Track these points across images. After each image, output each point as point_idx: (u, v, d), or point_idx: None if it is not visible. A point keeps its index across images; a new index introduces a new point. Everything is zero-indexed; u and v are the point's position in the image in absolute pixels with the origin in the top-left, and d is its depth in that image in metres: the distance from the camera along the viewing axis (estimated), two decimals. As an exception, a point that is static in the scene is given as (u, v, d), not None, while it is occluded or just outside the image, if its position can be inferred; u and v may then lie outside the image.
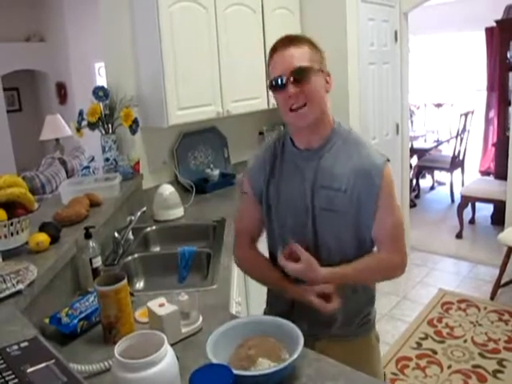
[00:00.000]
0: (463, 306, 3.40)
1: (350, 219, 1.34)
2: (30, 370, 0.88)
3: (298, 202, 1.38)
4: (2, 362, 0.91)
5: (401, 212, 1.41)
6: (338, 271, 1.32)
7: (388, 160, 1.35)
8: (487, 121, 6.26)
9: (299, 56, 1.26)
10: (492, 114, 6.12)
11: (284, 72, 1.26)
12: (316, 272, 1.29)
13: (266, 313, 1.60)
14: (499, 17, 5.16)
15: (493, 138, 6.04)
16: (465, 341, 2.97)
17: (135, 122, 2.61)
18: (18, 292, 1.29)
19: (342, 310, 1.38)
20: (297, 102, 1.27)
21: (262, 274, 1.49)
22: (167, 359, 0.96)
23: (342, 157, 1.34)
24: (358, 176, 1.31)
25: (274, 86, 1.29)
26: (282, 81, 1.26)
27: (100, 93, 2.56)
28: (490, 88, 6.05)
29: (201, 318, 1.37)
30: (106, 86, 2.64)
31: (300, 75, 1.25)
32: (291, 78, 1.25)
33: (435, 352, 2.88)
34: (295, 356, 1.07)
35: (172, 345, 1.27)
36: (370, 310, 1.53)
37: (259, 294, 1.74)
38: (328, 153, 1.35)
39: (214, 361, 1.06)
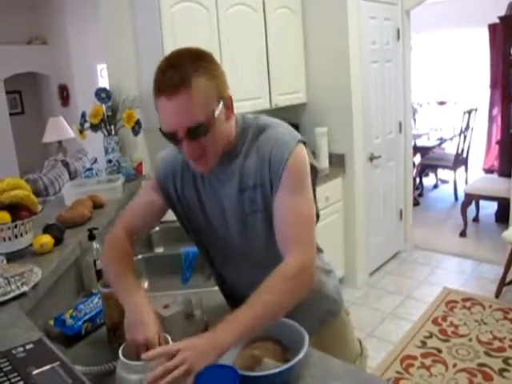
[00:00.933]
0: (468, 304, 3.39)
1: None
2: (35, 371, 0.89)
3: (219, 212, 1.28)
4: (7, 364, 0.92)
5: (311, 205, 1.19)
6: (224, 329, 1.02)
7: (301, 141, 1.19)
8: (491, 118, 6.24)
9: (192, 108, 1.05)
10: (495, 111, 6.10)
11: (174, 128, 1.07)
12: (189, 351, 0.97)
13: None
14: (502, 13, 5.14)
15: (496, 135, 6.02)
16: (470, 339, 2.96)
17: (138, 123, 2.62)
18: (23, 294, 1.30)
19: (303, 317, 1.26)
20: (194, 154, 1.12)
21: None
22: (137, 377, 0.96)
23: (253, 150, 1.21)
24: (265, 163, 1.17)
25: (168, 139, 1.12)
26: (175, 138, 1.09)
27: (102, 94, 2.57)
28: (494, 85, 6.02)
29: (205, 319, 1.37)
30: (108, 88, 2.64)
31: (195, 133, 1.07)
32: (187, 137, 1.08)
33: (440, 351, 2.87)
34: (300, 356, 1.07)
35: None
36: (337, 296, 1.50)
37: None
38: (240, 153, 1.21)
39: (220, 362, 1.06)
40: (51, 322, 1.40)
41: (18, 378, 0.87)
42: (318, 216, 1.32)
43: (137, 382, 0.96)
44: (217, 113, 1.09)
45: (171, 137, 1.10)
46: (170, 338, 1.05)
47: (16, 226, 1.54)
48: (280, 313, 1.11)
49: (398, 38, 3.95)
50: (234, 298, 1.40)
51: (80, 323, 1.37)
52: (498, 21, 5.16)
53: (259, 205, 1.21)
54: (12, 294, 1.28)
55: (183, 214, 1.36)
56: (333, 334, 1.46)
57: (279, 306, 1.09)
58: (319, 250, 1.46)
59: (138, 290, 1.19)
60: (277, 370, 1.04)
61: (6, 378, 0.86)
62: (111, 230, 1.37)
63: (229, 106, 1.15)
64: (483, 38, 6.14)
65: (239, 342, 1.07)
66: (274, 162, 1.16)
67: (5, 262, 1.51)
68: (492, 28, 5.89)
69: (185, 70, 1.06)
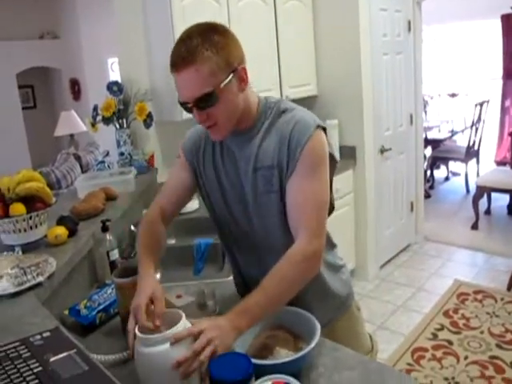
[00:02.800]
0: (479, 297, 3.38)
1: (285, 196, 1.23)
2: (52, 358, 0.90)
3: (233, 190, 1.31)
4: (26, 351, 0.94)
5: (325, 191, 1.21)
6: (236, 312, 1.07)
7: (322, 127, 1.21)
8: (503, 110, 6.17)
9: (198, 80, 1.10)
10: (508, 103, 6.03)
11: (185, 98, 1.14)
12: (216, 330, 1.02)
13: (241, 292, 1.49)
14: (515, 4, 5.09)
15: (509, 127, 5.97)
16: (481, 332, 2.95)
17: (149, 116, 2.63)
18: (39, 284, 1.32)
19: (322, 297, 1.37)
20: (207, 122, 1.18)
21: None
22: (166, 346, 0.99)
23: (272, 132, 1.24)
24: (284, 144, 1.20)
25: (182, 107, 1.18)
26: (187, 107, 1.15)
27: (114, 87, 2.58)
28: (506, 76, 5.96)
29: (217, 309, 1.38)
30: (120, 81, 2.65)
31: (203, 103, 1.12)
32: (196, 106, 1.14)
33: (451, 343, 2.87)
34: (312, 345, 1.08)
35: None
36: (348, 292, 1.50)
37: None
38: (260, 133, 1.25)
39: (234, 350, 1.07)
40: (66, 312, 1.42)
41: (37, 364, 0.88)
42: (332, 207, 1.33)
43: (150, 355, 0.98)
44: (224, 84, 1.12)
45: (184, 106, 1.16)
46: (184, 316, 1.06)
47: (31, 218, 1.56)
48: (290, 296, 1.14)
49: (409, 29, 3.92)
50: (246, 286, 1.41)
51: (94, 313, 1.39)
52: (511, 11, 5.10)
53: (274, 185, 1.22)
54: (28, 284, 1.30)
55: (204, 192, 1.39)
56: (344, 330, 1.46)
57: (289, 290, 1.14)
58: (333, 245, 1.47)
59: (149, 272, 1.25)
60: (289, 359, 1.05)
61: (25, 364, 0.88)
62: (151, 206, 1.44)
63: (242, 78, 1.17)
64: (495, 29, 6.06)
65: (254, 324, 1.11)
66: (293, 144, 1.18)
67: (20, 252, 1.53)
68: (505, 18, 5.82)
69: (192, 44, 1.10)
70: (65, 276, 1.47)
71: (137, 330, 1.03)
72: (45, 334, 1.01)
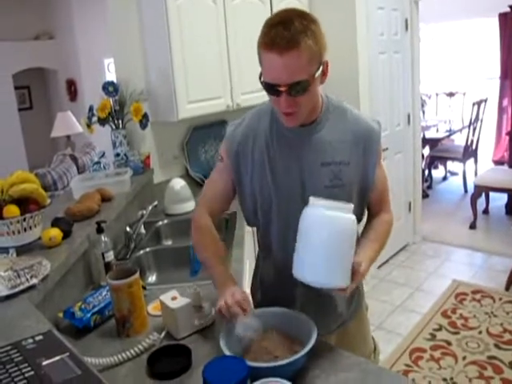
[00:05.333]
0: (478, 296, 3.37)
1: (354, 190, 1.32)
2: (45, 362, 0.89)
3: (294, 182, 1.30)
4: (18, 354, 0.92)
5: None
6: (371, 256, 1.25)
7: (379, 123, 1.38)
8: (500, 109, 6.16)
9: (299, 66, 1.11)
10: (506, 102, 6.03)
11: (279, 81, 1.13)
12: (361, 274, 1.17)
13: (258, 303, 1.50)
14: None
15: (506, 126, 5.96)
16: (480, 332, 2.95)
17: (145, 116, 2.61)
18: (32, 286, 1.30)
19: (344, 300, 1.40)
20: (288, 108, 1.18)
21: (205, 246, 1.40)
22: (354, 216, 1.13)
23: (339, 128, 1.30)
24: (359, 144, 1.30)
25: (267, 89, 1.19)
26: (276, 89, 1.15)
27: (110, 88, 2.56)
28: (504, 76, 5.95)
29: (213, 311, 1.37)
30: (115, 81, 2.64)
31: (297, 90, 1.14)
32: (287, 92, 1.14)
33: (449, 343, 2.86)
34: (308, 347, 1.07)
35: (185, 337, 1.29)
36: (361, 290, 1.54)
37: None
38: (324, 127, 1.29)
39: (228, 353, 1.06)
40: (60, 315, 1.41)
41: (29, 368, 0.87)
42: None
43: (332, 217, 1.09)
44: (317, 74, 1.16)
45: (272, 89, 1.16)
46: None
47: (25, 220, 1.54)
48: (381, 251, 1.35)
49: (407, 28, 3.91)
50: (267, 282, 1.43)
51: (89, 315, 1.38)
52: (508, 10, 5.10)
53: (341, 180, 1.28)
54: (22, 287, 1.29)
55: (251, 192, 1.36)
56: (354, 330, 1.47)
57: (384, 247, 1.36)
58: None
59: (226, 276, 1.31)
60: (284, 362, 1.04)
61: (16, 369, 0.87)
62: (196, 209, 1.50)
63: (325, 71, 1.21)
64: (493, 28, 6.06)
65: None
66: (371, 145, 1.32)
67: (14, 254, 1.52)
68: (503, 17, 5.81)
69: (295, 29, 1.10)
70: (59, 278, 1.46)
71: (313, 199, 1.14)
72: (37, 338, 1.00)
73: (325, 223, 1.09)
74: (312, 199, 1.13)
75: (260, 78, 1.19)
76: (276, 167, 1.31)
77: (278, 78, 1.13)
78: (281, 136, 1.31)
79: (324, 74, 1.21)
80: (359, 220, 1.39)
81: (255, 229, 1.49)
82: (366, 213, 1.43)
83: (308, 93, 1.16)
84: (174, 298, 1.32)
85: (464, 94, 6.65)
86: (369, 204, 1.40)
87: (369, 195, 1.36)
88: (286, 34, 1.09)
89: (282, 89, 1.13)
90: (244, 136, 1.35)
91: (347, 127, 1.30)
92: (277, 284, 1.41)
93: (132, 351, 1.22)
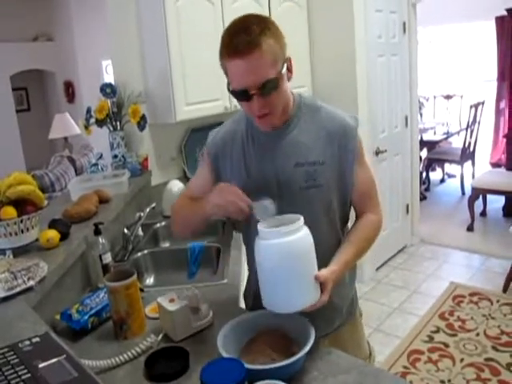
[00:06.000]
0: (475, 299, 3.37)
1: (332, 190, 1.29)
2: (41, 365, 0.89)
3: (268, 185, 1.29)
4: (14, 357, 0.92)
5: (372, 170, 1.40)
6: (346, 260, 1.23)
7: (357, 118, 1.34)
8: (498, 112, 6.18)
9: (264, 66, 1.13)
10: (503, 104, 6.04)
11: (247, 85, 1.14)
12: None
13: (250, 306, 1.49)
14: (510, 5, 5.10)
15: (504, 129, 5.96)
16: (477, 334, 2.95)
17: (143, 118, 2.61)
18: (29, 288, 1.30)
19: (341, 300, 1.39)
20: (261, 111, 1.19)
21: (188, 208, 1.38)
22: (304, 230, 1.11)
23: (312, 128, 1.29)
24: (334, 141, 1.27)
25: (237, 97, 1.20)
26: (246, 95, 1.16)
27: (108, 90, 2.56)
28: (501, 78, 5.97)
29: (211, 313, 1.37)
30: (113, 83, 2.64)
31: (267, 89, 1.14)
32: (258, 93, 1.15)
33: (447, 345, 2.86)
34: (306, 350, 1.07)
35: (182, 340, 1.28)
36: (354, 287, 1.52)
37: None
38: (296, 128, 1.29)
39: (225, 355, 1.06)
40: (57, 317, 1.40)
41: (25, 370, 0.86)
42: None
43: (281, 244, 1.08)
44: (283, 71, 1.18)
45: (242, 94, 1.17)
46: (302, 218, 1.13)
47: (22, 221, 1.54)
48: (364, 254, 1.33)
49: (404, 31, 3.92)
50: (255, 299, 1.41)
51: (86, 317, 1.37)
52: (505, 13, 5.12)
53: (316, 180, 1.26)
54: (18, 289, 1.28)
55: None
56: (347, 336, 1.46)
57: (365, 249, 1.33)
58: None
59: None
60: (282, 364, 1.04)
61: (13, 371, 0.86)
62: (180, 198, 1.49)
63: (289, 68, 1.23)
64: (490, 31, 6.08)
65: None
66: (347, 142, 1.28)
67: (11, 256, 1.51)
68: (499, 20, 5.83)
69: (254, 32, 1.12)
70: (56, 280, 1.45)
71: (259, 226, 1.12)
72: (34, 340, 0.99)
73: (273, 253, 1.09)
74: (259, 227, 1.13)
75: (228, 90, 1.21)
76: (251, 170, 1.32)
77: (246, 82, 1.14)
78: (255, 140, 1.32)
79: (289, 70, 1.22)
80: (344, 221, 1.40)
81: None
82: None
83: (278, 91, 1.17)
84: (171, 300, 1.31)
85: (461, 96, 6.66)
86: (353, 205, 1.38)
87: (349, 195, 1.33)
88: (246, 38, 1.11)
89: (253, 91, 1.14)
90: (222, 140, 1.38)
91: (320, 125, 1.29)
92: None
93: (129, 353, 1.22)
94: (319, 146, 1.27)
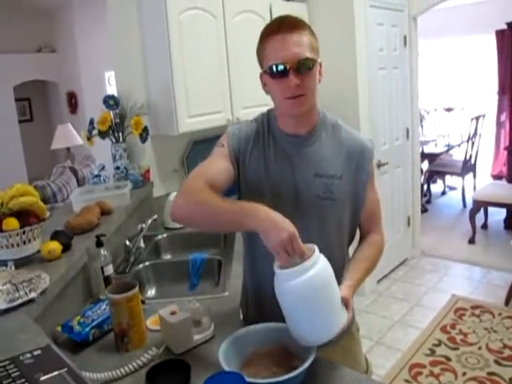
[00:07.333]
0: (477, 312, 3.36)
1: (346, 205, 1.33)
2: (43, 378, 0.88)
3: (285, 190, 1.29)
4: (15, 369, 0.91)
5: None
6: (359, 278, 1.29)
7: (373, 142, 1.41)
8: (499, 124, 6.20)
9: (304, 45, 1.19)
10: (503, 117, 6.06)
11: (287, 60, 1.17)
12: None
13: (245, 314, 1.48)
14: (510, 19, 5.14)
15: (505, 141, 5.98)
16: (479, 348, 2.93)
17: (145, 130, 2.62)
18: (31, 300, 1.30)
19: None
20: (295, 92, 1.20)
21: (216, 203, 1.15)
22: (321, 258, 1.08)
23: (333, 143, 1.33)
24: (352, 160, 1.32)
25: (273, 73, 1.20)
26: (284, 69, 1.18)
27: (111, 101, 2.58)
28: (502, 91, 6.00)
29: (213, 326, 1.37)
30: (116, 95, 2.65)
31: (304, 67, 1.19)
32: (295, 69, 1.18)
33: (449, 359, 2.84)
34: (307, 364, 1.06)
35: (184, 352, 1.28)
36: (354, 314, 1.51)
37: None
38: (318, 140, 1.32)
39: (227, 368, 1.05)
40: (59, 328, 1.40)
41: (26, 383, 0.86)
42: None
43: (296, 286, 1.04)
44: (319, 61, 1.25)
45: (280, 70, 1.18)
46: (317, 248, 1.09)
47: (24, 233, 1.54)
48: (370, 274, 1.37)
49: (405, 44, 3.95)
50: (262, 289, 1.38)
51: (88, 329, 1.37)
52: (505, 27, 5.16)
53: (333, 193, 1.29)
54: (20, 301, 1.28)
55: (246, 191, 1.33)
56: (343, 351, 1.43)
57: (372, 269, 1.38)
58: None
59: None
60: (283, 378, 1.03)
61: (14, 384, 0.86)
62: (188, 182, 1.23)
63: (321, 71, 1.29)
64: (490, 44, 6.12)
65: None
66: (363, 162, 1.34)
67: (13, 267, 1.51)
68: (500, 34, 5.88)
69: (299, 20, 1.22)
70: (58, 291, 1.45)
71: (275, 268, 1.07)
72: (35, 352, 0.99)
73: (299, 292, 1.05)
74: (277, 270, 1.07)
75: (264, 73, 1.24)
76: (270, 170, 1.31)
77: (285, 55, 1.17)
78: (276, 143, 1.33)
79: (320, 73, 1.28)
80: (351, 238, 1.43)
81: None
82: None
83: (313, 75, 1.22)
84: (173, 313, 1.31)
85: (462, 108, 6.69)
86: (360, 223, 1.42)
87: (360, 213, 1.38)
88: (293, 19, 1.20)
89: (290, 66, 1.17)
90: (246, 137, 1.34)
91: (341, 143, 1.33)
92: (261, 298, 1.40)
93: (131, 366, 1.21)
94: (338, 162, 1.31)
